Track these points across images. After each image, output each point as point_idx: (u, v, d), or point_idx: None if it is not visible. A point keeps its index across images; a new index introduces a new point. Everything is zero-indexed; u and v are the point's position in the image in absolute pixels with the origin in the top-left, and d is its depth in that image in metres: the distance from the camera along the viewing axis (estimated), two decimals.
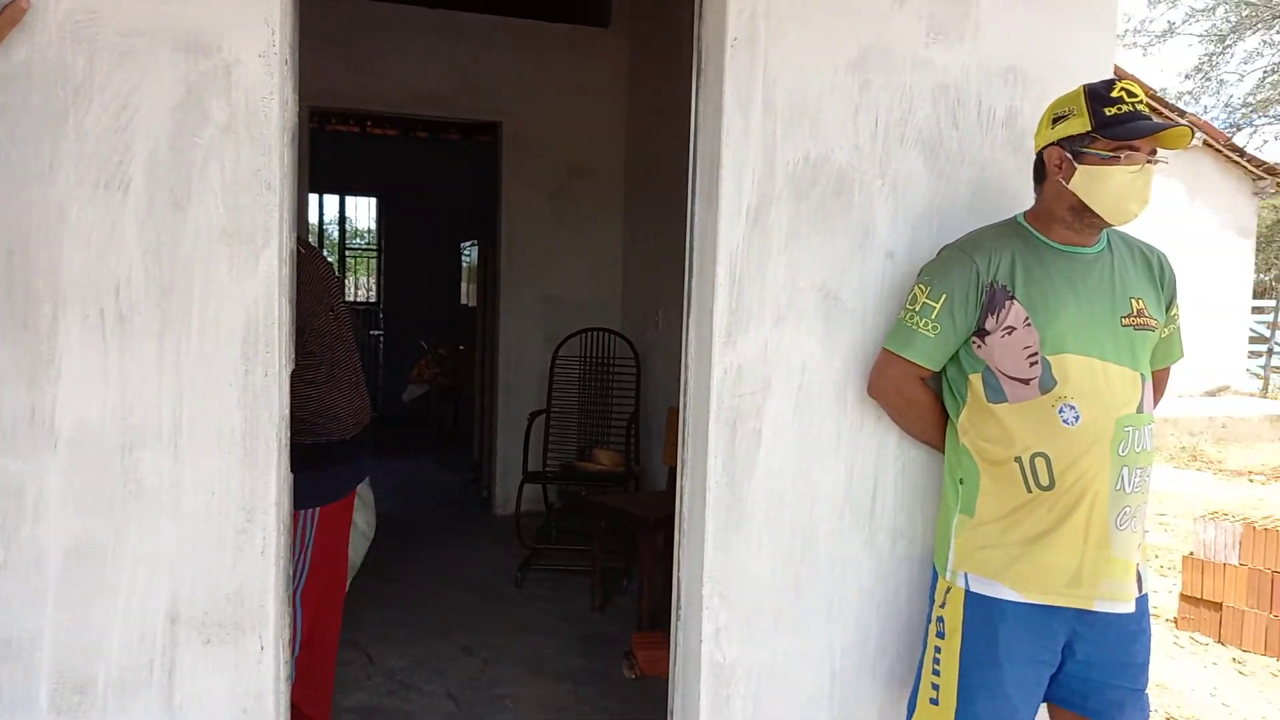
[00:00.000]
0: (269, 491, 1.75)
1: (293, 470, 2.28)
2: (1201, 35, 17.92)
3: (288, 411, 1.77)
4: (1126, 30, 18.50)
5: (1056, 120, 1.80)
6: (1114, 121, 1.71)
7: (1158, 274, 1.89)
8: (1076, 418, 1.74)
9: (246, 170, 1.65)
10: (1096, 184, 1.74)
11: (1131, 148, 1.71)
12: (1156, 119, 1.72)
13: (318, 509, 2.41)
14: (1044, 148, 1.83)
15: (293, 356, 1.79)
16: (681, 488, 2.11)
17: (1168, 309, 1.91)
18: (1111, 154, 1.72)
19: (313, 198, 9.22)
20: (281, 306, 1.71)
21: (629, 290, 5.38)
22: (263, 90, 1.64)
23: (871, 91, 1.97)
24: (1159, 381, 1.97)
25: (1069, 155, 1.77)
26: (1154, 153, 1.74)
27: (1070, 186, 1.77)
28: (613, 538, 4.12)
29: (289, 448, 1.80)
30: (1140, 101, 1.73)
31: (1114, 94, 1.73)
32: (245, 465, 1.73)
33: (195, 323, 1.67)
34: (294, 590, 2.44)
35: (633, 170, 5.32)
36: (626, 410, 4.83)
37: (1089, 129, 1.74)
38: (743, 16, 1.86)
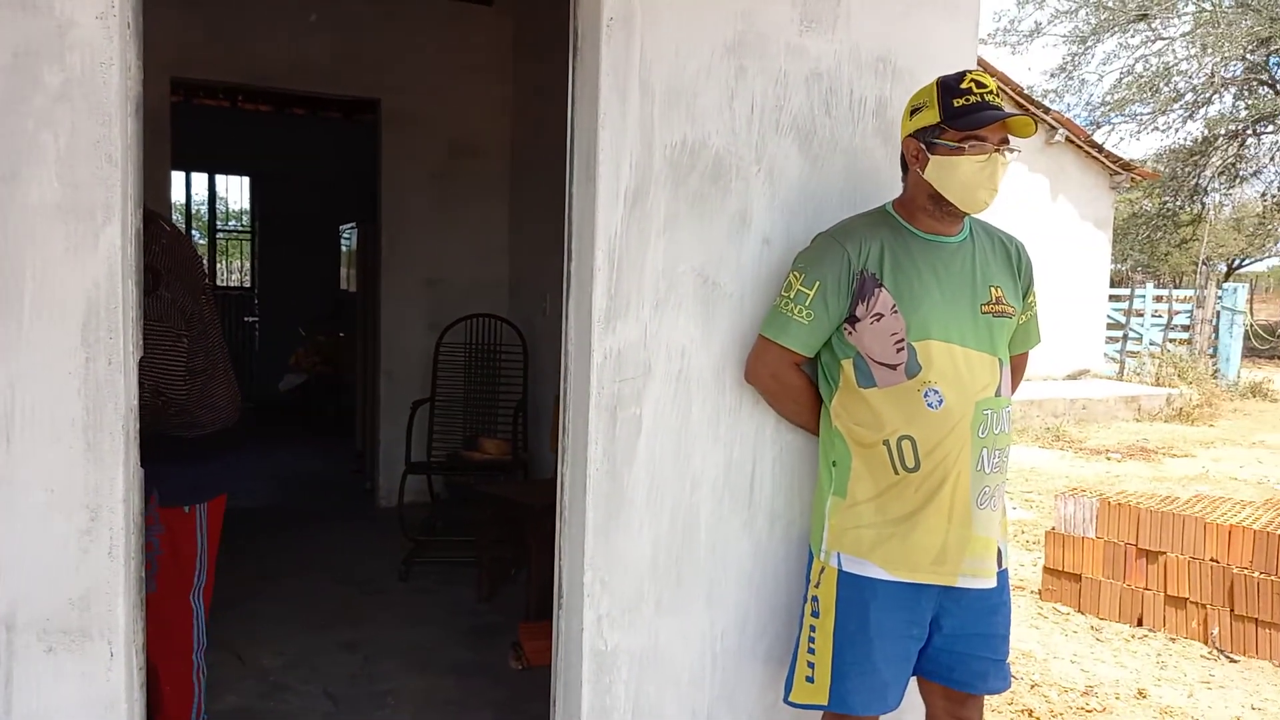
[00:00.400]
0: (115, 488, 1.64)
1: (177, 465, 2.25)
2: (1065, 36, 18.93)
3: (136, 402, 1.66)
4: (997, 29, 19.38)
5: (914, 112, 1.86)
6: (961, 112, 1.77)
7: (1015, 263, 1.97)
8: (940, 401, 1.80)
9: (84, 141, 1.53)
10: (947, 173, 1.80)
11: (978, 137, 1.77)
12: (1008, 109, 1.78)
13: (206, 504, 2.35)
14: (904, 138, 1.88)
15: (141, 343, 1.67)
16: (562, 475, 2.08)
17: (1025, 296, 1.99)
18: (959, 144, 1.78)
19: (178, 176, 8.75)
20: (127, 290, 1.59)
21: (516, 275, 5.30)
22: (101, 55, 1.52)
23: (747, 77, 1.98)
24: (1017, 366, 2.05)
25: (923, 146, 1.83)
26: (1005, 142, 1.80)
27: (925, 176, 1.83)
28: (500, 527, 4.06)
29: (138, 441, 1.69)
30: (989, 92, 1.79)
31: (963, 85, 1.79)
32: (89, 460, 1.62)
33: (28, 306, 1.55)
34: (196, 591, 2.34)
35: (519, 151, 5.23)
36: (514, 398, 4.76)
37: (939, 120, 1.79)
38: None
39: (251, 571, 4.09)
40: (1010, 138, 1.81)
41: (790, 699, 1.98)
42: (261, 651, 3.30)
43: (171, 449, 2.24)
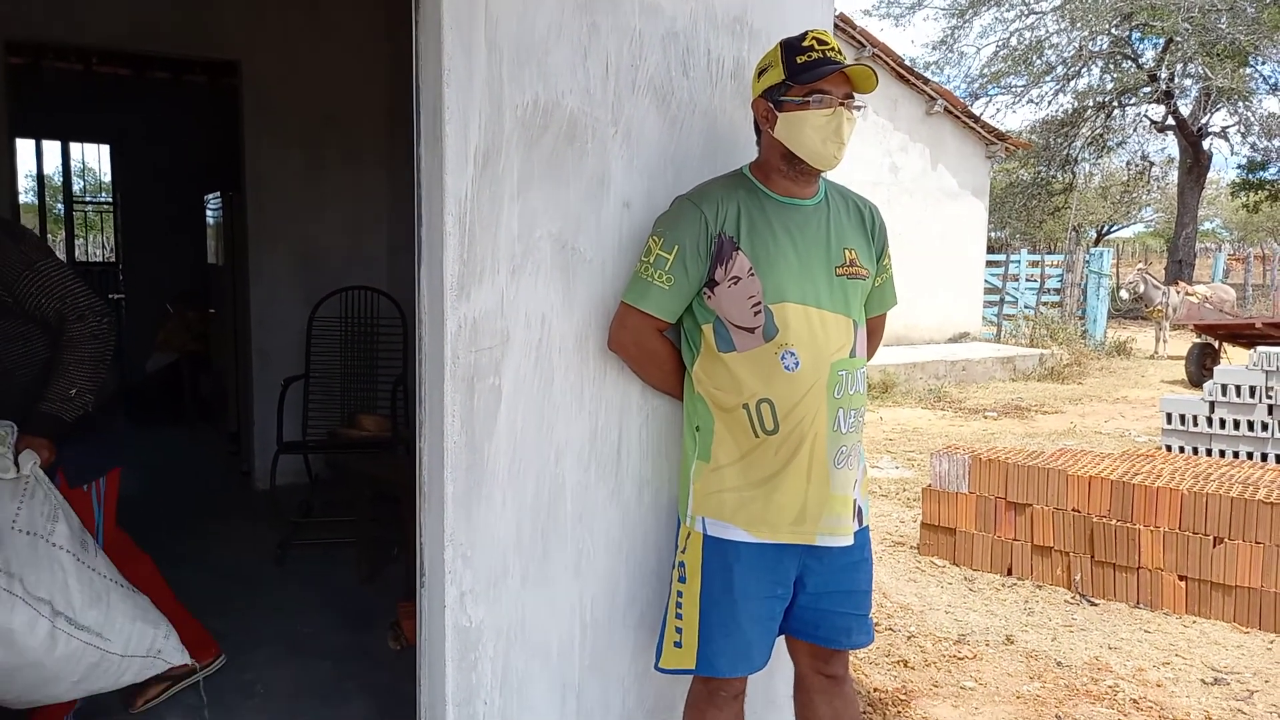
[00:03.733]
0: None
1: (73, 444, 2.31)
2: (944, 9, 19.48)
3: None
4: (880, 2, 19.78)
5: (761, 73, 1.86)
6: (803, 68, 1.77)
7: (869, 225, 1.99)
8: (796, 364, 1.81)
9: None
10: (795, 129, 1.80)
11: (821, 90, 1.77)
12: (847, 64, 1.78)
13: (103, 479, 2.45)
14: (754, 100, 1.87)
15: None
16: (420, 450, 2.01)
17: (879, 259, 2.01)
18: (804, 99, 1.78)
19: (26, 144, 8.14)
20: None
21: (395, 245, 5.13)
22: None
23: (600, 35, 1.92)
24: (874, 328, 2.08)
25: (771, 105, 1.82)
26: (850, 98, 1.81)
27: (775, 135, 1.82)
28: (380, 506, 3.95)
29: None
30: (830, 49, 1.80)
31: (805, 43, 1.79)
32: None
33: None
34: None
35: (398, 117, 5.04)
36: (393, 373, 4.62)
37: (783, 78, 1.79)
38: None
39: None
40: (855, 94, 1.81)
41: (660, 665, 1.98)
42: None
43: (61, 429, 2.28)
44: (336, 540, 4.13)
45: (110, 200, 9.52)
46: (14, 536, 2.05)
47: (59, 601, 2.09)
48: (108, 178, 9.81)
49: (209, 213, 6.63)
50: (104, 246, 10.09)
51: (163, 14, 4.64)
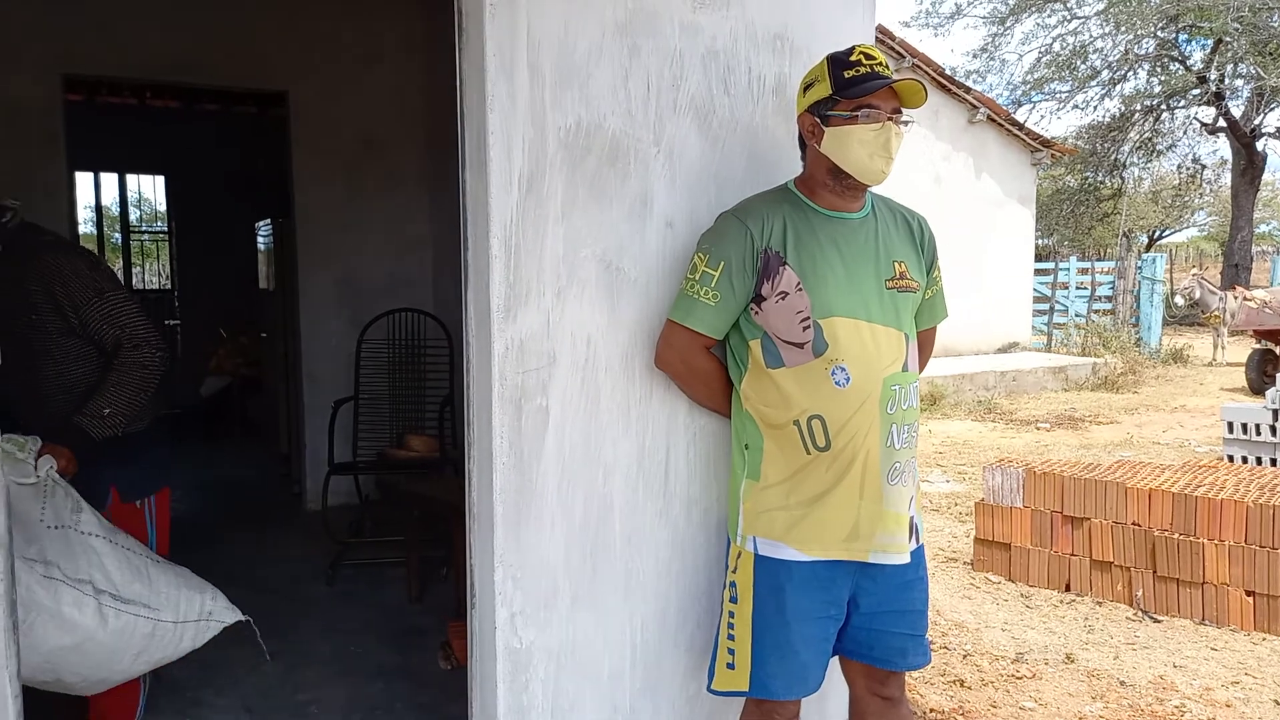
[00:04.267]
0: None
1: (125, 461, 2.44)
2: (984, 17, 19.29)
3: None
4: (920, 11, 19.65)
5: (807, 88, 1.84)
6: (851, 83, 1.76)
7: (918, 237, 1.96)
8: (847, 379, 1.78)
9: None
10: (842, 144, 1.78)
11: (870, 105, 1.76)
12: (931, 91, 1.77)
13: (154, 497, 2.54)
14: (799, 115, 1.86)
15: None
16: (469, 472, 2.02)
17: (929, 271, 1.98)
18: (852, 114, 1.77)
19: (85, 177, 8.41)
20: None
21: (439, 267, 5.20)
22: None
23: (641, 56, 1.93)
24: (925, 341, 2.04)
25: (818, 120, 1.81)
26: (898, 112, 1.79)
27: (822, 150, 1.81)
28: (429, 526, 3.98)
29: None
30: (878, 64, 1.78)
31: (852, 58, 1.78)
32: None
33: None
34: None
35: (436, 141, 5.11)
36: (440, 393, 4.67)
37: (830, 93, 1.78)
38: None
39: None
40: (903, 109, 1.80)
41: (713, 687, 1.96)
42: (176, 664, 3.16)
43: (115, 446, 2.37)
44: (386, 560, 4.17)
45: (165, 229, 9.79)
46: (44, 532, 2.13)
47: (99, 580, 2.15)
48: (163, 207, 10.09)
49: (260, 239, 6.78)
50: (160, 274, 10.37)
51: (212, 47, 4.77)
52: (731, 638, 1.91)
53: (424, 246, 5.26)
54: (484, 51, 1.78)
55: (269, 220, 6.13)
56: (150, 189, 11.26)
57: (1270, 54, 16.36)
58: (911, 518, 1.89)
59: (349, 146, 5.03)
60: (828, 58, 1.81)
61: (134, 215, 10.91)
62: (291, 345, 5.37)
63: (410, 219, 5.20)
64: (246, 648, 3.32)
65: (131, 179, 9.19)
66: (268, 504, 5.43)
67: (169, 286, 9.09)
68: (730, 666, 1.91)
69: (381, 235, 5.13)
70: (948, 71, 13.19)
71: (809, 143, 1.85)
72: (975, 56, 20.14)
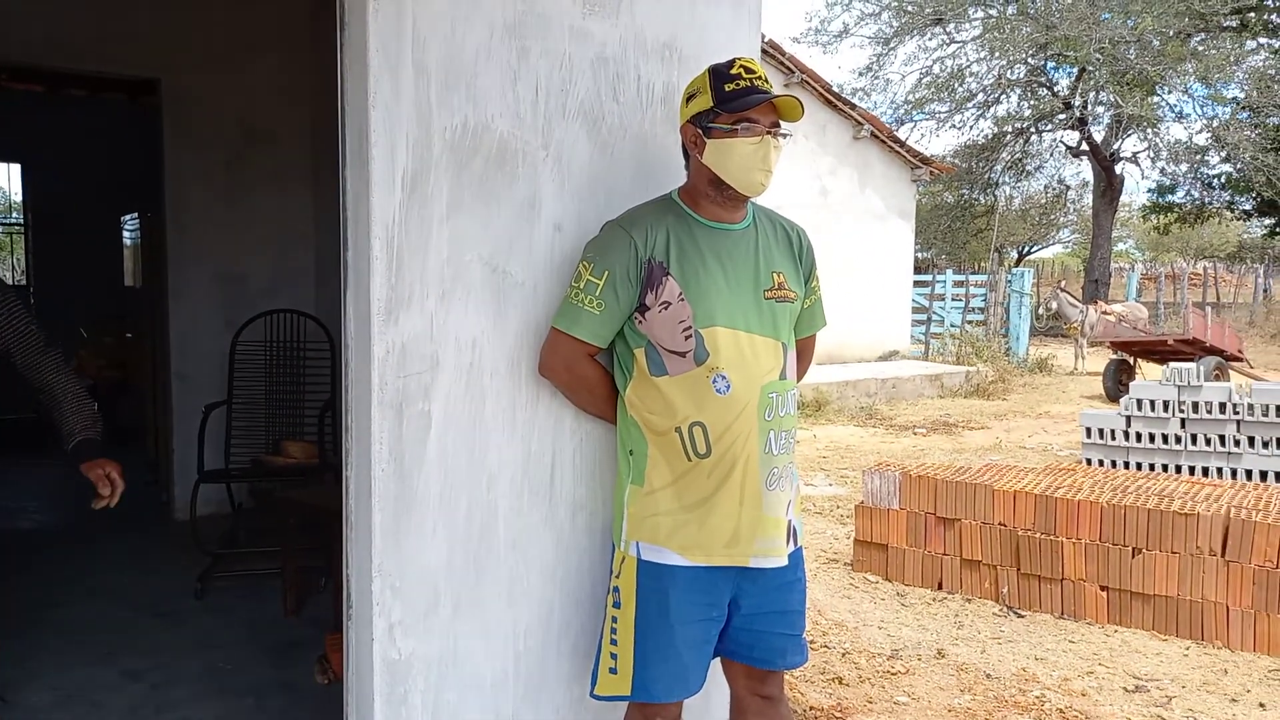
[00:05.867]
0: None
1: None
2: (870, 38, 20.03)
3: None
4: (809, 29, 20.25)
5: (689, 99, 1.87)
6: (731, 96, 1.80)
7: (797, 248, 2.01)
8: (728, 387, 1.82)
9: None
10: (723, 156, 1.82)
11: (749, 119, 1.80)
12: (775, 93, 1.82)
13: None
14: (682, 125, 1.89)
15: None
16: (346, 479, 1.96)
17: (808, 281, 2.03)
18: (732, 127, 1.80)
19: None
20: None
21: (324, 268, 5.03)
22: None
23: (530, 59, 1.92)
24: (804, 350, 2.10)
25: (700, 131, 1.84)
26: (776, 126, 1.84)
27: (704, 161, 1.84)
28: (307, 536, 3.84)
29: None
30: (758, 77, 1.82)
31: (733, 71, 1.82)
32: None
33: None
34: None
35: (322, 137, 4.95)
36: (321, 398, 4.52)
37: (711, 105, 1.81)
38: None
39: (26, 600, 3.69)
40: (781, 122, 1.84)
41: (595, 692, 1.96)
42: (31, 688, 2.97)
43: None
44: (261, 571, 4.00)
45: (21, 221, 9.16)
46: None
47: None
48: (19, 197, 9.43)
49: (126, 234, 6.42)
50: (14, 269, 9.70)
51: (79, 30, 4.49)
52: (614, 642, 1.92)
53: (307, 245, 5.09)
54: (367, 47, 1.74)
55: (136, 214, 5.80)
56: (4, 177, 10.53)
57: (1128, 84, 17.56)
58: (790, 521, 1.94)
59: (228, 138, 4.82)
60: (709, 69, 1.84)
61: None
62: (160, 346, 5.10)
63: (293, 216, 5.03)
64: (108, 668, 3.15)
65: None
66: (133, 513, 5.09)
67: (24, 282, 8.50)
68: (613, 671, 1.92)
69: (262, 232, 4.93)
70: (835, 88, 13.61)
71: (692, 153, 1.88)
72: (861, 75, 20.86)
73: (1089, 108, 19.58)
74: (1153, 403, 6.45)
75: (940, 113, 20.35)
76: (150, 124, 5.07)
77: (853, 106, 13.60)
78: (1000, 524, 4.16)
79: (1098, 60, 17.36)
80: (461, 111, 1.86)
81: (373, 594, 1.84)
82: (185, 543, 4.34)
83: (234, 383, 4.45)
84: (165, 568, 4.18)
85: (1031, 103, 20.14)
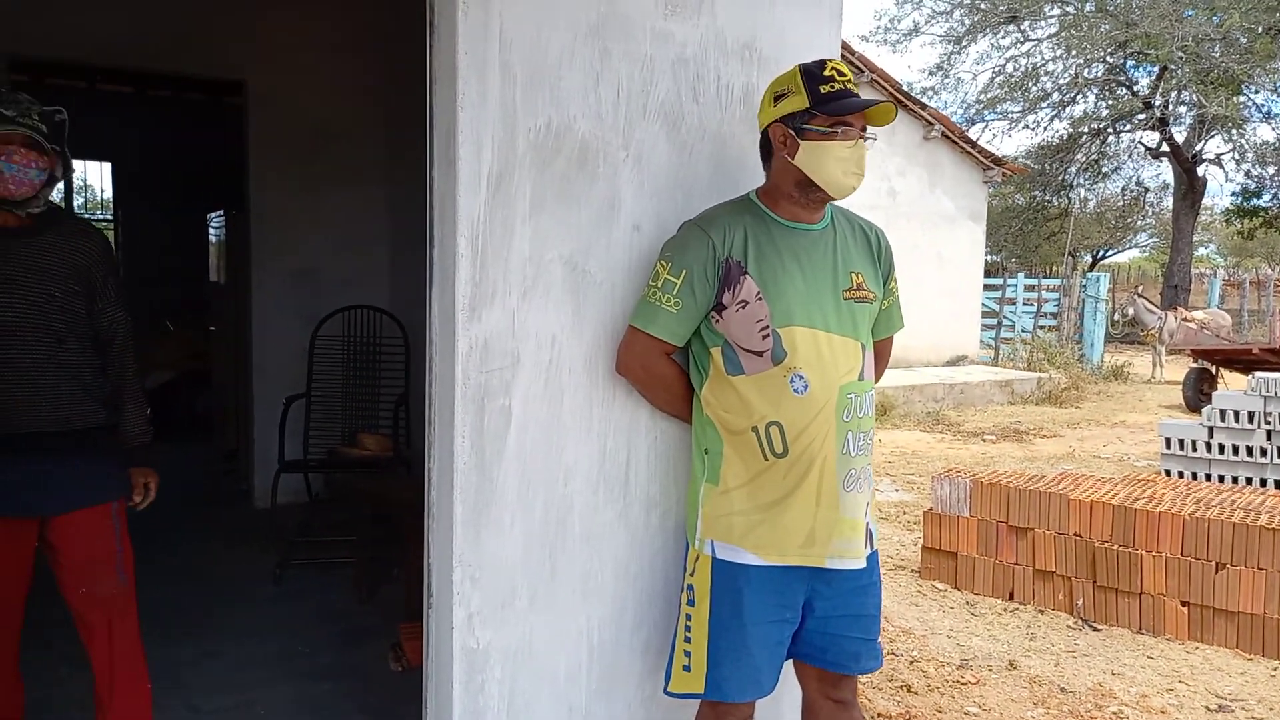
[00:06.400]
0: None
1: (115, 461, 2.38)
2: (941, 36, 19.67)
3: None
4: (878, 28, 19.97)
5: (778, 98, 1.86)
6: (829, 98, 1.79)
7: (875, 249, 2.00)
8: (805, 387, 1.81)
9: None
10: (817, 158, 1.81)
11: (846, 123, 1.79)
12: (864, 97, 1.81)
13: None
14: (768, 125, 1.88)
15: None
16: (429, 471, 2.01)
17: (886, 282, 2.02)
18: (829, 129, 1.80)
19: None
20: None
21: (395, 263, 5.14)
22: None
23: (612, 60, 1.94)
24: (881, 351, 2.08)
25: (792, 132, 1.83)
26: (864, 129, 1.83)
27: (795, 162, 1.83)
28: (379, 526, 3.93)
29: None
30: (849, 80, 1.82)
31: (826, 73, 1.81)
32: None
33: None
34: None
35: (394, 134, 5.06)
36: (395, 392, 4.62)
37: (808, 105, 1.80)
38: None
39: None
40: (869, 126, 1.84)
41: (669, 689, 1.97)
42: None
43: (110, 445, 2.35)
44: (335, 560, 4.11)
45: (111, 217, 9.54)
46: None
47: None
48: (109, 194, 9.82)
49: (211, 230, 6.64)
50: None
51: (166, 32, 4.66)
52: (688, 640, 1.93)
53: (382, 242, 5.20)
54: (455, 49, 1.78)
55: (222, 212, 6.00)
56: (96, 176, 10.98)
57: (1212, 83, 16.93)
58: (867, 524, 1.92)
59: (306, 138, 4.95)
60: (800, 70, 1.83)
61: (78, 202, 10.61)
62: (242, 339, 5.27)
63: (367, 214, 5.14)
64: (189, 647, 3.27)
65: (77, 165, 8.93)
66: (214, 501, 5.32)
67: None
68: (686, 669, 1.93)
69: (338, 229, 5.06)
70: (904, 87, 13.42)
71: (778, 154, 1.87)
72: (931, 74, 20.46)
73: (1170, 108, 18.92)
74: (1237, 413, 6.22)
75: (1013, 112, 19.89)
76: (234, 123, 5.24)
77: (923, 106, 13.39)
78: (1076, 535, 4.06)
79: (1180, 58, 16.77)
80: (545, 112, 1.89)
81: (453, 584, 1.88)
82: (263, 530, 4.49)
83: (312, 376, 4.57)
84: (244, 553, 4.32)
85: (1109, 102, 19.55)
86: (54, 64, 6.28)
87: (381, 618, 3.59)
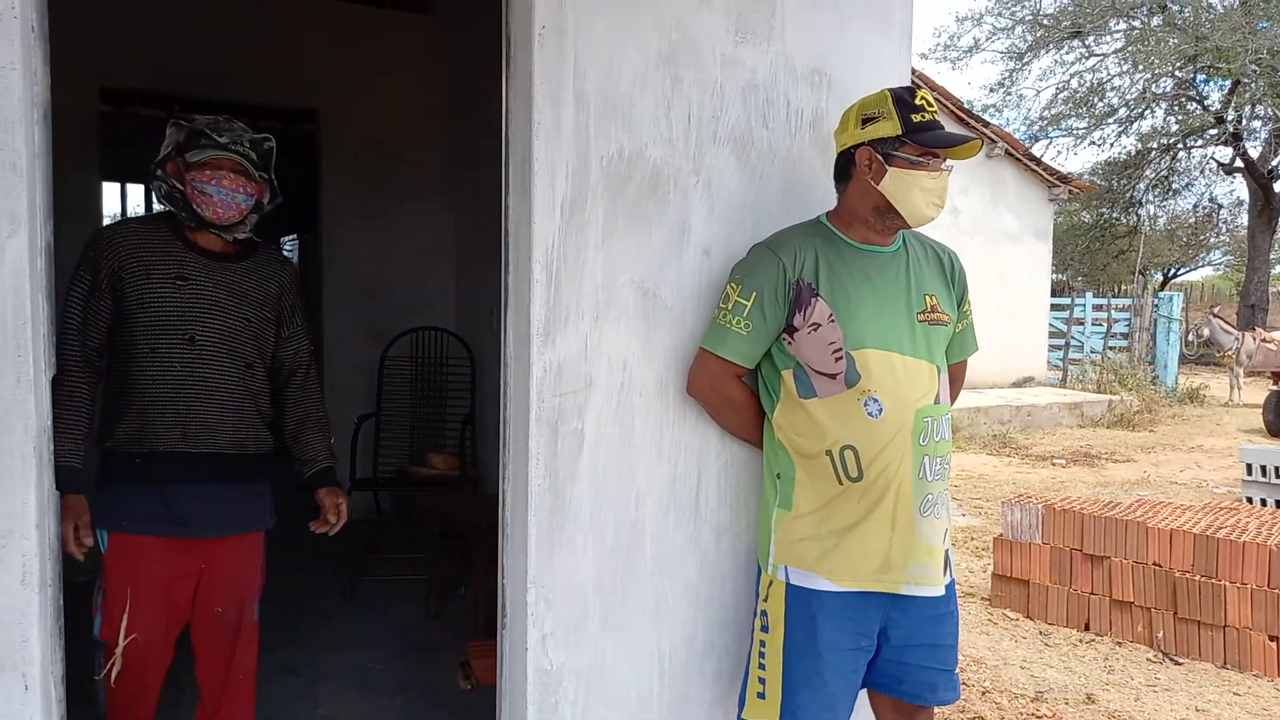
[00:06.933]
0: (27, 513, 1.56)
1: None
2: (1002, 52, 19.41)
3: (49, 423, 1.58)
4: (937, 45, 19.78)
5: (866, 121, 1.84)
6: (921, 128, 1.78)
7: (949, 271, 1.98)
8: (880, 410, 1.80)
9: None
10: (903, 186, 1.80)
11: (933, 154, 1.79)
12: (950, 129, 1.81)
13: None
14: (854, 147, 1.86)
15: (54, 361, 1.60)
16: (503, 491, 2.04)
17: (960, 305, 2.00)
18: (918, 159, 1.79)
19: (112, 186, 8.51)
20: (37, 305, 1.52)
21: (461, 286, 5.24)
22: (1, 60, 1.44)
23: (683, 87, 1.96)
24: (955, 374, 2.05)
25: (880, 157, 1.82)
26: (945, 159, 1.82)
27: (880, 187, 1.82)
28: (447, 544, 3.99)
29: (54, 464, 1.61)
30: (935, 111, 1.82)
31: (918, 102, 1.80)
32: None
33: None
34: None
35: (458, 159, 5.18)
36: (461, 411, 4.69)
37: (899, 133, 1.79)
38: (549, 5, 1.81)
39: None
40: (949, 158, 1.83)
41: (744, 716, 1.95)
42: (193, 676, 3.18)
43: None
44: (403, 577, 4.17)
45: None
46: None
47: None
48: None
49: (285, 254, 6.85)
50: None
51: (244, 63, 4.84)
52: (762, 667, 1.91)
53: (446, 264, 5.30)
54: (531, 79, 1.82)
55: (295, 236, 6.18)
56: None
57: None
58: (945, 550, 1.90)
59: (375, 163, 5.09)
60: (891, 95, 1.82)
61: None
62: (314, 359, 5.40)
63: (434, 236, 5.25)
64: (265, 660, 3.34)
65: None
66: (284, 517, 5.43)
67: None
68: (761, 696, 1.91)
69: (405, 252, 5.17)
70: (965, 105, 13.26)
71: (861, 177, 1.85)
72: (992, 91, 20.23)
73: (1244, 122, 18.36)
74: None
75: (1078, 129, 19.50)
76: (306, 150, 5.40)
77: (985, 124, 13.21)
78: (1155, 564, 3.93)
79: (1254, 72, 16.28)
80: (618, 140, 1.92)
81: (527, 604, 1.90)
82: (334, 545, 4.56)
83: (382, 395, 4.67)
84: (316, 569, 4.40)
85: (1179, 117, 19.04)
86: (138, 93, 6.55)
87: (449, 635, 3.63)
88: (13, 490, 1.55)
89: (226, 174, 2.12)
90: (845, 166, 1.89)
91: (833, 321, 1.82)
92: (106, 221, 8.43)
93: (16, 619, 1.58)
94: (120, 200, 9.01)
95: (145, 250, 2.11)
